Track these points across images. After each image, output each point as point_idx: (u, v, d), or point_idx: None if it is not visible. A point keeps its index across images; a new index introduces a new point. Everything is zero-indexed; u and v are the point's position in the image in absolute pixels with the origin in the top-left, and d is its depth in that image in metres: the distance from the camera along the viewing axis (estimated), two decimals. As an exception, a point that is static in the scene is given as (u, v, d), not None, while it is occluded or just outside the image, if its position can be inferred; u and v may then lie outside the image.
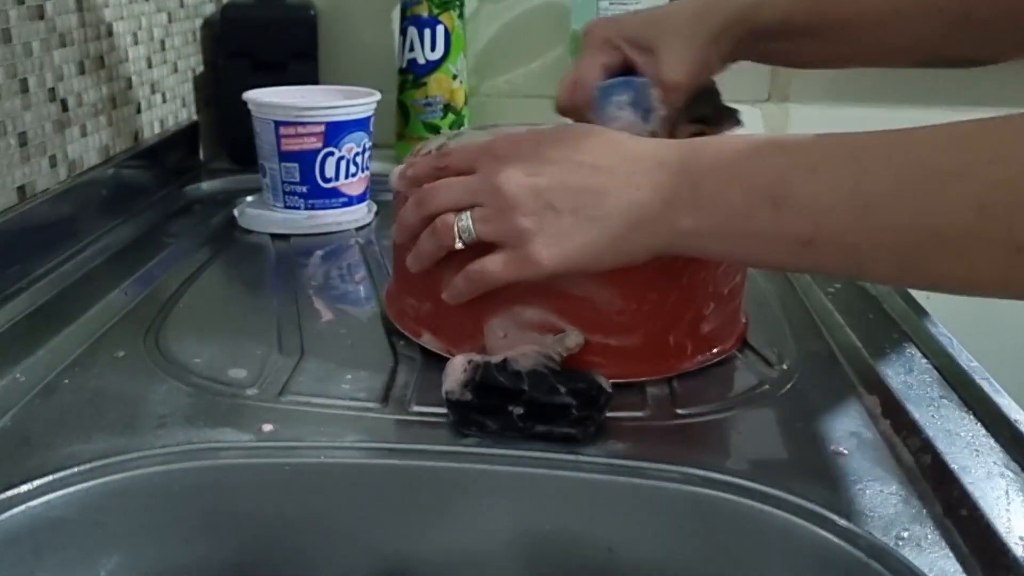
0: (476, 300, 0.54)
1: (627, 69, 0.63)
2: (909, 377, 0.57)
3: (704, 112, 0.63)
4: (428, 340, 0.58)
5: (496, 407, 0.50)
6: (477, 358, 0.52)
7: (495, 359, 0.52)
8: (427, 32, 1.05)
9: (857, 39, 0.60)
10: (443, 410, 0.51)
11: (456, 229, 0.52)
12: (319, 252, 0.79)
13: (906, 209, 0.41)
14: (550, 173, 0.50)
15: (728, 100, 0.64)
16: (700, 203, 0.47)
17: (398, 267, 0.62)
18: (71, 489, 0.45)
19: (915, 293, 0.70)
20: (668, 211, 0.47)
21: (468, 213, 0.52)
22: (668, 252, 0.49)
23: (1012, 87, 0.99)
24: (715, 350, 0.58)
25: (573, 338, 0.53)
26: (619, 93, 0.62)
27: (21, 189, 0.70)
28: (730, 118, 0.64)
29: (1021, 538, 0.42)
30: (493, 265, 0.51)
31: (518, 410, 0.50)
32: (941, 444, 0.49)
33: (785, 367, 0.58)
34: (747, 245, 0.47)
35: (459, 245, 0.52)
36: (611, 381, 0.51)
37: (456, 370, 0.51)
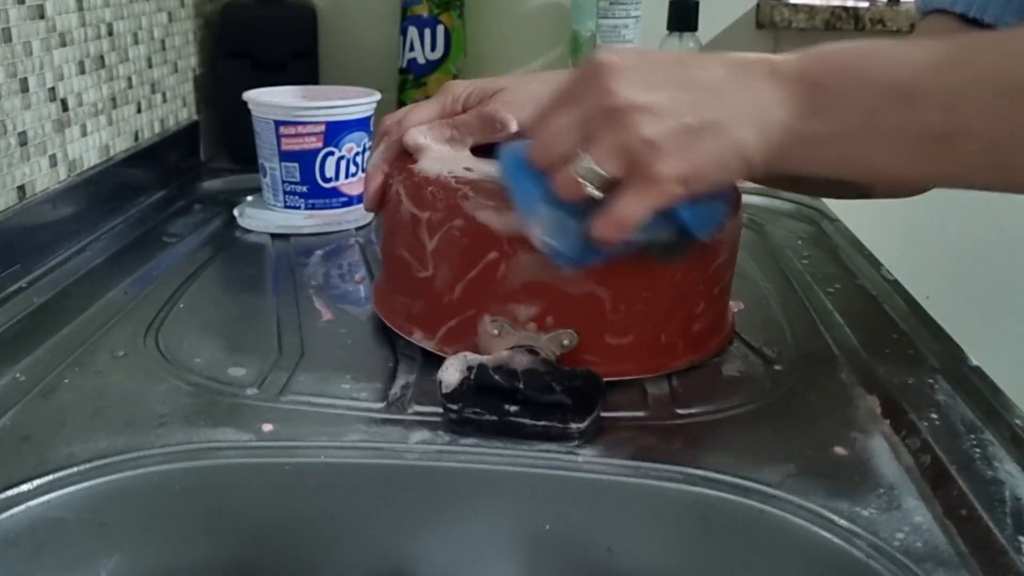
0: (468, 298, 0.54)
1: None
2: (909, 377, 0.57)
3: None
4: (419, 338, 0.58)
5: (493, 406, 0.50)
6: (472, 358, 0.52)
7: (490, 359, 0.52)
8: (427, 32, 1.05)
9: None
10: (442, 410, 0.51)
11: (581, 179, 0.46)
12: (319, 252, 0.79)
13: None
14: (661, 85, 0.45)
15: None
16: (827, 104, 0.44)
17: (388, 263, 0.62)
18: (71, 489, 0.45)
19: (915, 293, 0.70)
20: (790, 116, 0.44)
21: (586, 156, 0.46)
22: (787, 165, 0.45)
23: None
24: (705, 348, 0.59)
25: (567, 336, 0.53)
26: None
27: (21, 189, 0.70)
28: None
29: (1021, 538, 0.42)
30: (625, 208, 0.46)
31: (514, 409, 0.50)
32: (941, 444, 0.49)
33: (785, 367, 0.58)
34: (876, 146, 0.44)
35: (596, 194, 0.46)
36: (604, 379, 0.51)
37: (452, 370, 0.51)
